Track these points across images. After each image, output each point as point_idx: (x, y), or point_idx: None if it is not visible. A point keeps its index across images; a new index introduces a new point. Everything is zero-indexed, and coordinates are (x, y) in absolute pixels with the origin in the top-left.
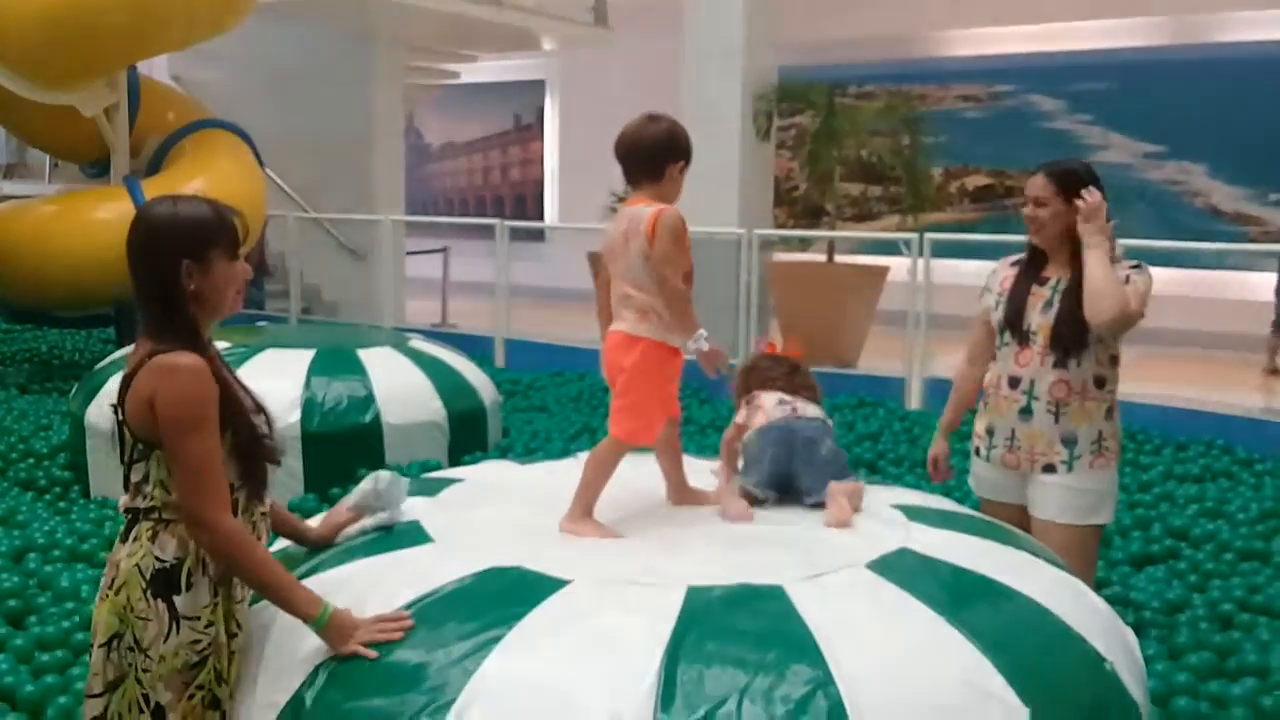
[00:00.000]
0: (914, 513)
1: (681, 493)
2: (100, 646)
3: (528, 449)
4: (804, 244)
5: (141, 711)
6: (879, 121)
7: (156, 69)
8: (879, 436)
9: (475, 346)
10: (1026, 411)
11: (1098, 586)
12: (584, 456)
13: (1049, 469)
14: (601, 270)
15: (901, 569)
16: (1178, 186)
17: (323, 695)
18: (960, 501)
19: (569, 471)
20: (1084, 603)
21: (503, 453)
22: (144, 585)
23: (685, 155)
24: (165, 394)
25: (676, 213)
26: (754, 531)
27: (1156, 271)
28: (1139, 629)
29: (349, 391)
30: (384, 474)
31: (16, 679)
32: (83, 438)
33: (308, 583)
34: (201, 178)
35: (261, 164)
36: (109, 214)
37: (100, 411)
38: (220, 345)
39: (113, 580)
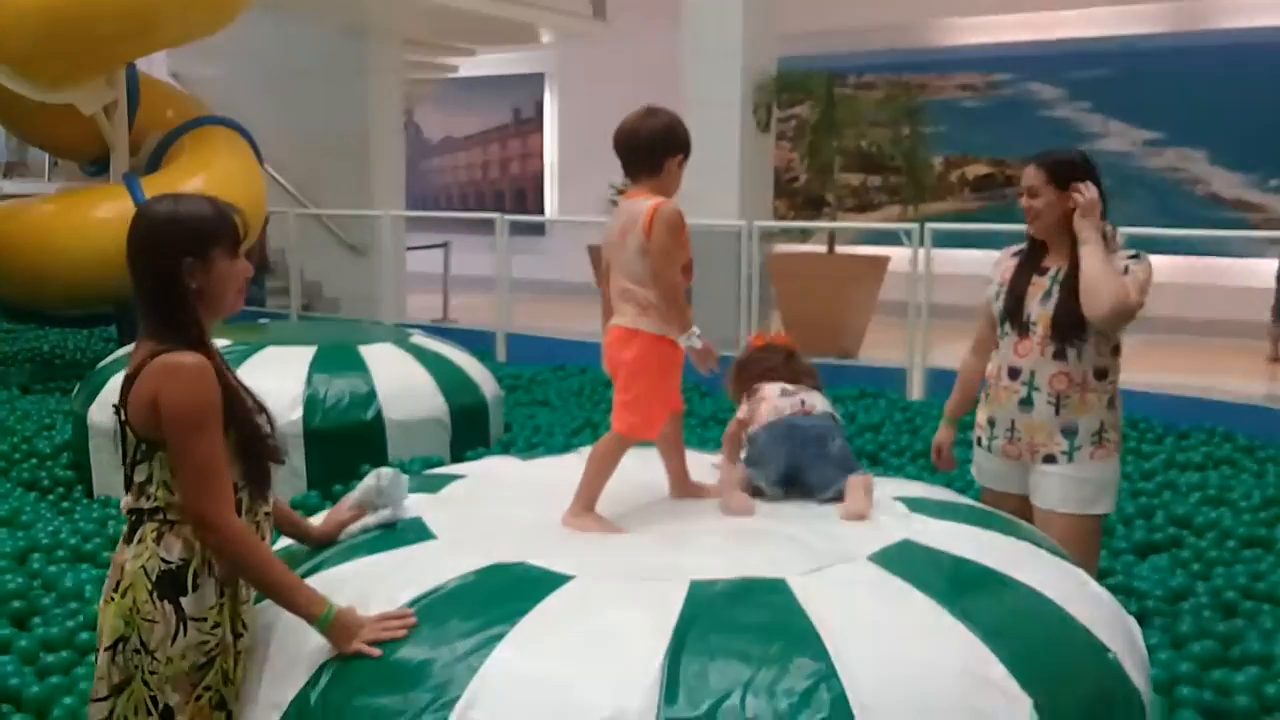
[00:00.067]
0: (916, 504)
1: (683, 487)
2: (105, 650)
3: (530, 444)
4: (804, 235)
5: (149, 714)
6: (879, 111)
7: (155, 66)
8: (880, 427)
9: (476, 341)
10: (1027, 402)
11: (1101, 575)
12: (586, 451)
13: (1049, 459)
14: (604, 265)
15: (904, 561)
16: (1178, 173)
17: (327, 694)
18: (961, 492)
19: (572, 467)
20: (1086, 593)
21: (505, 448)
22: (150, 587)
23: (684, 148)
24: (169, 394)
25: (674, 207)
26: (756, 525)
27: (1157, 259)
28: (1142, 618)
29: (351, 388)
30: (386, 471)
31: (22, 680)
32: (85, 437)
33: (311, 581)
34: (201, 175)
35: (261, 160)
36: (109, 212)
37: (102, 411)
38: (221, 343)
39: (117, 583)
